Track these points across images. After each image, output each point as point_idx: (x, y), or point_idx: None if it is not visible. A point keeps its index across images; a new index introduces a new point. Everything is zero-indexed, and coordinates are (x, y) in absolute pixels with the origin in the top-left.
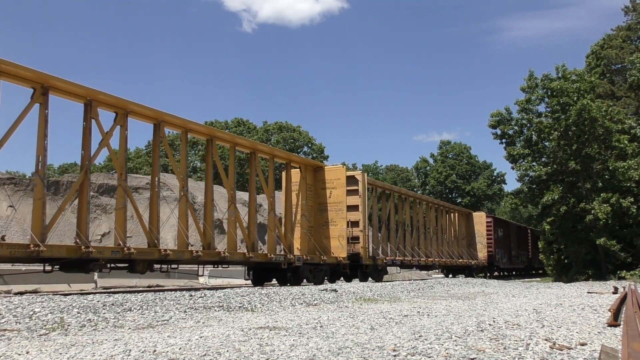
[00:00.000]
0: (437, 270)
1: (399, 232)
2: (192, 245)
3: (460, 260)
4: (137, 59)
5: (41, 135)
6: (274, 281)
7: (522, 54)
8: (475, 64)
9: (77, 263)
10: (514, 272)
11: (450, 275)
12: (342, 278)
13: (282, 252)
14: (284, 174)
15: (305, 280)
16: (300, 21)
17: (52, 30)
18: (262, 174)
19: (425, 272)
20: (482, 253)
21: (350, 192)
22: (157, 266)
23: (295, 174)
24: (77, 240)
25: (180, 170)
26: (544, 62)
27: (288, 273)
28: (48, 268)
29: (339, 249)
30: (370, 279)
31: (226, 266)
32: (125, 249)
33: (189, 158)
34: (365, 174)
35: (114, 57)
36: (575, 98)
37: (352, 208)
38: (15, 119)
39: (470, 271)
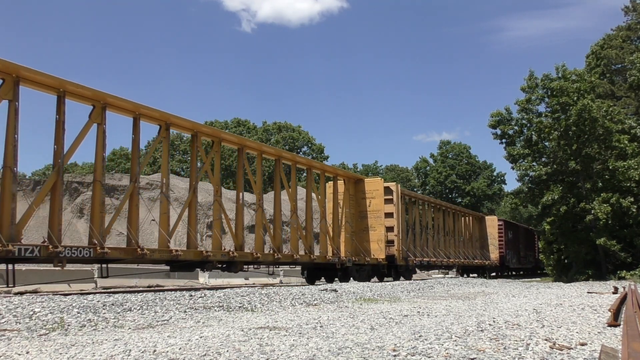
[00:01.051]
0: (437, 271)
1: (422, 235)
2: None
3: (476, 261)
4: (135, 59)
5: (165, 162)
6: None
7: (522, 54)
8: (475, 64)
9: (192, 264)
10: (521, 272)
11: (465, 275)
12: (375, 277)
13: (332, 254)
14: (328, 185)
15: (352, 279)
16: (300, 21)
17: (49, 31)
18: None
19: (426, 272)
20: (494, 254)
21: (386, 201)
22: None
23: (340, 185)
24: (198, 246)
25: (257, 186)
26: (544, 62)
27: (339, 272)
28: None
29: (378, 251)
30: (402, 277)
31: (294, 266)
32: (230, 252)
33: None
34: (399, 185)
35: (111, 57)
36: (575, 98)
37: (388, 215)
38: (148, 151)
39: (484, 270)
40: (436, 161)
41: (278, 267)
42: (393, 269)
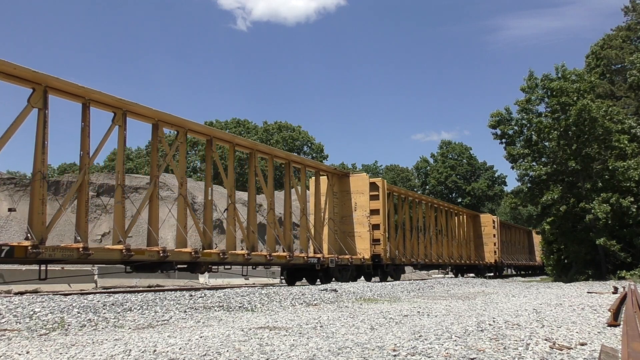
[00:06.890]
0: (436, 270)
1: (502, 246)
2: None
3: (530, 263)
4: (131, 58)
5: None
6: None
7: (521, 53)
8: (474, 63)
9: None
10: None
11: (517, 273)
12: (472, 274)
13: (468, 259)
14: (456, 218)
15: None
16: (296, 19)
17: (46, 31)
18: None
19: (425, 272)
20: (538, 258)
21: (493, 228)
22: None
23: (462, 218)
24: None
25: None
26: (543, 61)
27: (475, 270)
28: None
29: (490, 258)
30: (497, 273)
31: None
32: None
33: (189, 158)
34: (498, 217)
35: (107, 57)
36: (575, 98)
37: (494, 236)
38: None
39: (533, 270)
40: (437, 161)
41: (443, 269)
42: (493, 267)
